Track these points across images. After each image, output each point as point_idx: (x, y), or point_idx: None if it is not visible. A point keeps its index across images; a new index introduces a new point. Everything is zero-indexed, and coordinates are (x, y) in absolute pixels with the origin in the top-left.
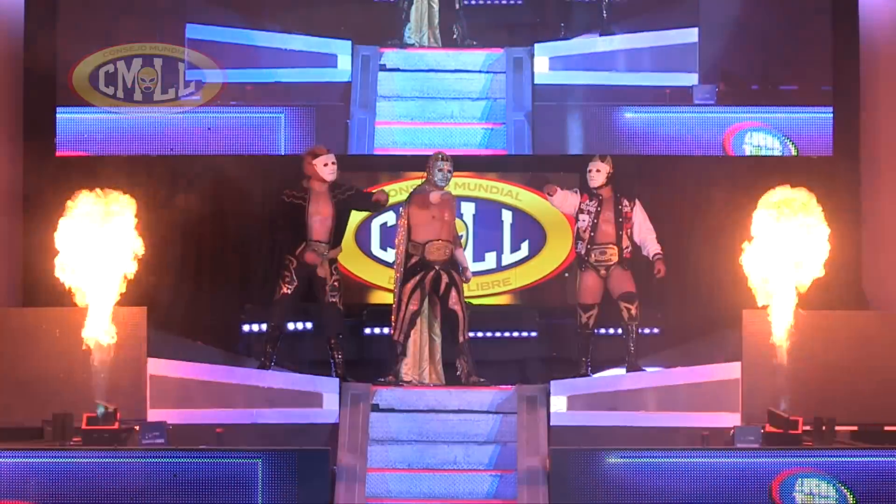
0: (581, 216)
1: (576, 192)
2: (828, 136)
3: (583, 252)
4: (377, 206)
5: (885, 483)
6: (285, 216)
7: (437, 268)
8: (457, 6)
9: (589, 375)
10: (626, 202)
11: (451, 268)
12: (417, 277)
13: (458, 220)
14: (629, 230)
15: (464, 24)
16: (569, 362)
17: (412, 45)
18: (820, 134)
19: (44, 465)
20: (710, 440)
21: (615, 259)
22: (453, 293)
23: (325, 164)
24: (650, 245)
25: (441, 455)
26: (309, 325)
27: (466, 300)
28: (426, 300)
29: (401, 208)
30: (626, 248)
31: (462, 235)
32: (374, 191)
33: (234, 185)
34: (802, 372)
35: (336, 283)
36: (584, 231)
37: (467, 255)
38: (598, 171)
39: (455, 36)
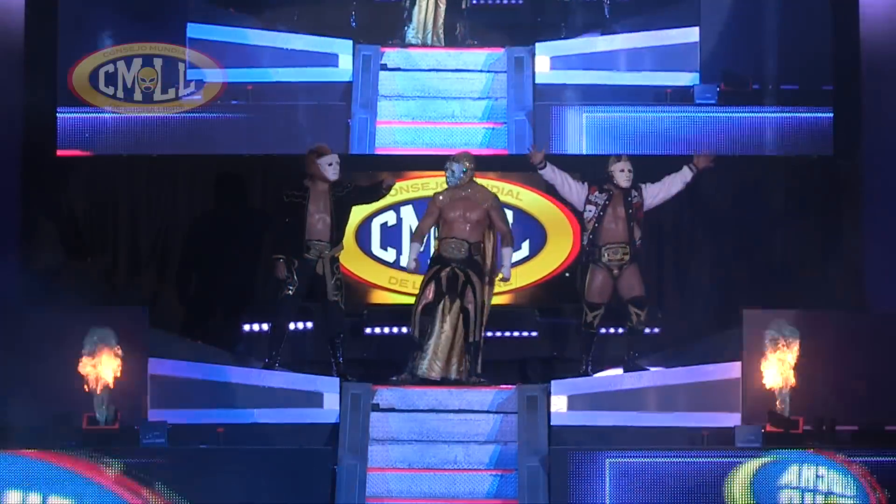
0: (588, 206)
1: (584, 184)
2: (828, 136)
3: (585, 244)
4: (379, 193)
5: (885, 484)
6: (285, 215)
7: (452, 265)
8: (463, 6)
9: (589, 375)
10: (633, 192)
11: (470, 267)
12: (433, 271)
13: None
14: (641, 217)
15: (467, 24)
16: (569, 362)
17: (416, 45)
18: (820, 134)
19: None
20: (710, 440)
21: (628, 258)
22: (469, 292)
23: (330, 164)
24: (678, 176)
25: (441, 455)
26: (309, 324)
27: None
28: (445, 296)
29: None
30: (639, 239)
31: None
32: (377, 182)
33: (234, 185)
34: (803, 372)
35: (337, 283)
36: (589, 222)
37: None
38: (629, 170)
39: (456, 33)
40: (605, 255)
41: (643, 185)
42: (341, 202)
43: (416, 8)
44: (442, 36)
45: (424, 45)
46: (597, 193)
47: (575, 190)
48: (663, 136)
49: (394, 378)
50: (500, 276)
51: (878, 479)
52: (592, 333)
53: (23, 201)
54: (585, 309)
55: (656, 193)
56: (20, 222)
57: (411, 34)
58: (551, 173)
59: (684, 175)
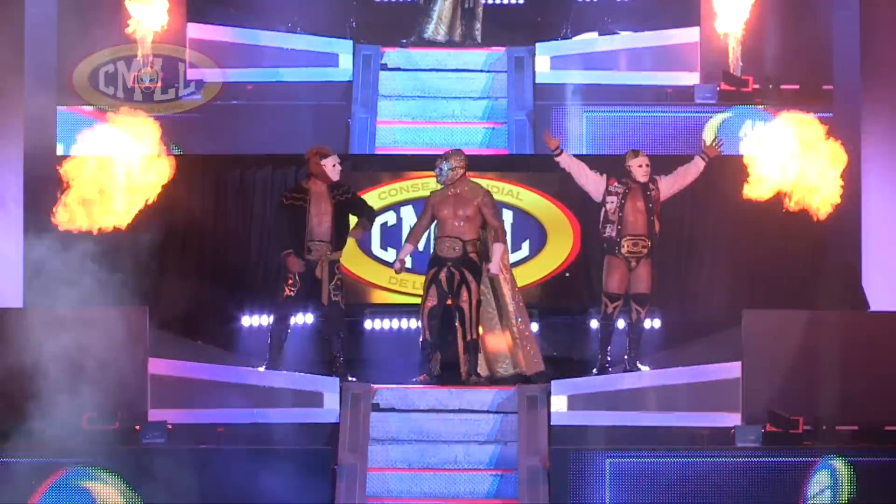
0: (609, 198)
1: (602, 175)
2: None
3: (613, 234)
4: (368, 216)
5: (885, 482)
6: (285, 216)
7: (448, 264)
8: (467, 6)
9: (607, 370)
10: (651, 185)
11: (465, 265)
12: (432, 272)
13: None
14: (659, 210)
15: (467, 24)
16: (569, 362)
17: (437, 41)
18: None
19: None
20: (710, 440)
21: (646, 251)
22: (463, 291)
23: (334, 165)
24: (691, 166)
25: (441, 454)
26: (309, 324)
27: None
28: (449, 297)
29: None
30: (658, 232)
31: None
32: (367, 200)
33: (234, 185)
34: (802, 372)
35: (338, 283)
36: (613, 213)
37: None
38: (647, 165)
39: (459, 31)
40: (625, 245)
41: (658, 177)
42: (341, 206)
43: (436, 6)
44: (478, 32)
45: (449, 41)
46: (616, 184)
47: (593, 180)
48: (663, 136)
49: (415, 380)
50: (488, 269)
51: (876, 478)
52: (613, 327)
53: (23, 201)
54: (605, 300)
55: (671, 185)
56: (21, 222)
57: (430, 29)
58: (568, 160)
59: (697, 164)
